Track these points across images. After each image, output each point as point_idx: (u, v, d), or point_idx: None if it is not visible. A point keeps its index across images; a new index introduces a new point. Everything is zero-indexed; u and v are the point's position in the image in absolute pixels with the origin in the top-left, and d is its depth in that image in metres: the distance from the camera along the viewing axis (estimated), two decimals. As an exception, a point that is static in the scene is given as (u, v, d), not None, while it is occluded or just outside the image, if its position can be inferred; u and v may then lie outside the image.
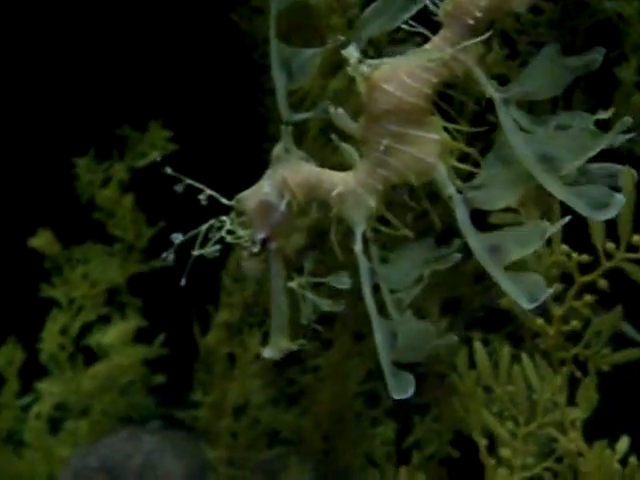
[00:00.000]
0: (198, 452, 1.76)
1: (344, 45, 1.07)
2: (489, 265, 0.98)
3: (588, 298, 1.22)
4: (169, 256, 1.04)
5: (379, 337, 1.02)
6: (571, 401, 1.18)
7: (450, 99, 1.07)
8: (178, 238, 1.03)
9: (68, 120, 2.18)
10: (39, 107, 2.21)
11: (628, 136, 0.97)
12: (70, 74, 2.21)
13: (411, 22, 1.07)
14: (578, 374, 1.21)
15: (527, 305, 0.96)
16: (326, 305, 1.05)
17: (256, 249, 1.03)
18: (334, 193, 1.04)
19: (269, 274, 1.06)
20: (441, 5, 1.04)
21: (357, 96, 1.04)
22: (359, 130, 1.04)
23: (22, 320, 1.98)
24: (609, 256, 1.19)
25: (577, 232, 1.16)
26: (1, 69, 2.20)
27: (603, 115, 1.00)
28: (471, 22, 1.02)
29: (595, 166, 1.00)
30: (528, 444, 1.11)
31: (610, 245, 1.19)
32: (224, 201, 1.04)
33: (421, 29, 1.05)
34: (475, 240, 0.99)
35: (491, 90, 1.02)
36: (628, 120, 0.97)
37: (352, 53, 1.05)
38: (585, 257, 1.21)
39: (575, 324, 1.22)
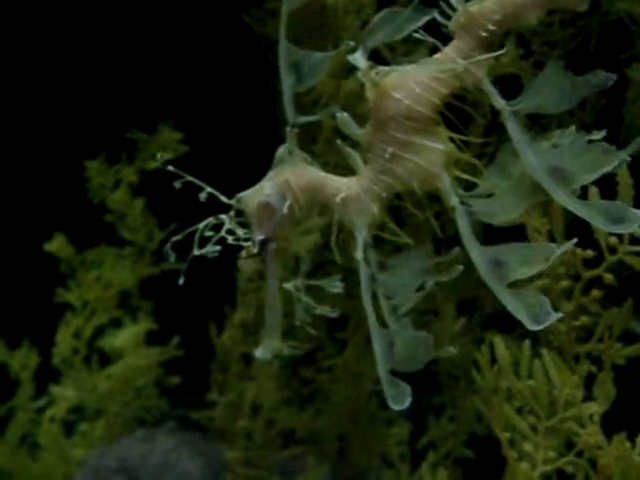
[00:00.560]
0: (214, 452, 1.76)
1: (353, 50, 1.08)
2: (491, 280, 0.97)
3: (596, 293, 1.22)
4: (170, 256, 1.04)
5: (377, 346, 1.02)
6: (590, 397, 1.18)
7: (457, 110, 1.07)
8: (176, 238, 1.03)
9: (80, 123, 2.19)
10: (51, 111, 2.21)
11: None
12: (82, 78, 2.21)
13: (420, 32, 1.07)
14: (594, 369, 1.21)
15: (531, 326, 0.95)
16: (322, 310, 1.05)
17: (254, 249, 1.03)
18: (338, 198, 1.04)
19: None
20: (453, 17, 1.04)
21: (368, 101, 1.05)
22: (365, 136, 1.05)
23: (37, 323, 1.99)
24: (612, 250, 1.18)
25: (578, 227, 1.15)
26: (11, 74, 2.21)
27: (596, 136, 0.99)
28: (484, 34, 1.03)
29: None
30: (549, 438, 1.11)
31: (613, 239, 1.18)
32: (224, 199, 1.04)
33: (431, 39, 1.06)
34: (477, 253, 0.99)
35: (501, 102, 1.02)
36: None
37: (359, 60, 1.06)
38: (589, 252, 1.20)
39: (585, 320, 1.22)
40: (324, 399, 1.77)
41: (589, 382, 1.19)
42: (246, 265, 1.05)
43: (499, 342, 1.16)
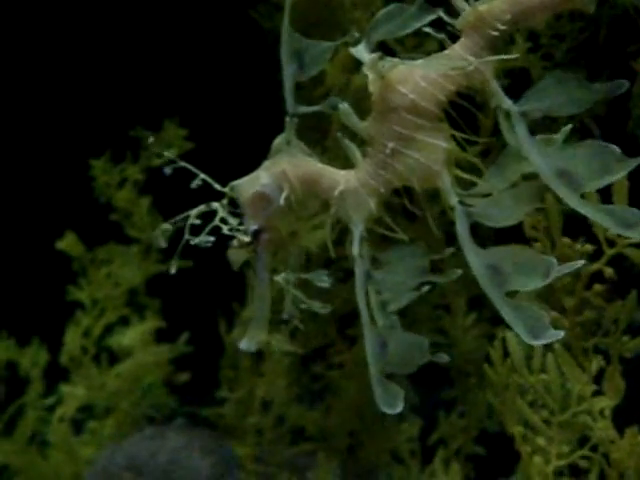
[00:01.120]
0: (223, 449, 1.76)
1: (357, 42, 1.06)
2: (488, 287, 0.95)
3: (598, 287, 1.21)
4: (161, 242, 1.01)
5: (369, 347, 0.99)
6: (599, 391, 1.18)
7: (461, 109, 1.06)
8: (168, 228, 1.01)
9: (87, 121, 2.19)
10: (56, 110, 2.22)
11: None
12: (87, 76, 2.21)
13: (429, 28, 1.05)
14: (602, 363, 1.20)
15: (528, 340, 0.93)
16: (315, 306, 1.03)
17: (247, 239, 1.01)
18: (336, 192, 1.02)
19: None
20: (462, 15, 1.03)
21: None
22: (366, 129, 1.03)
23: (46, 321, 1.99)
24: (611, 244, 1.17)
25: (576, 221, 1.14)
26: (17, 74, 2.21)
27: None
28: (493, 34, 1.01)
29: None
30: (562, 432, 1.11)
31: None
32: (217, 187, 1.01)
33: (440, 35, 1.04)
34: (474, 256, 0.96)
35: (508, 103, 1.00)
36: None
37: (361, 53, 1.05)
38: (588, 247, 1.19)
39: (588, 314, 1.21)
40: (334, 395, 1.76)
41: (597, 376, 1.18)
42: (236, 255, 1.02)
43: (511, 337, 1.15)
